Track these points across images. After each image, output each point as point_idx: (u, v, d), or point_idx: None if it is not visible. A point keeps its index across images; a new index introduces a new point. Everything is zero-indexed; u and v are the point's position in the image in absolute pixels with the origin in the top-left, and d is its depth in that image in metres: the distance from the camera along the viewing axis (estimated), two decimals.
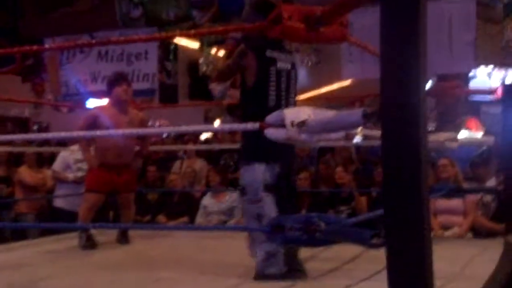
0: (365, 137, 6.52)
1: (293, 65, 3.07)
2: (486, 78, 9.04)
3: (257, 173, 2.89)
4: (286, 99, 2.98)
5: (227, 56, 2.93)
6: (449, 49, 4.88)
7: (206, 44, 6.28)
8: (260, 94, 2.91)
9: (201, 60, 6.46)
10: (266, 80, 2.90)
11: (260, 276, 2.87)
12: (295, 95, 3.10)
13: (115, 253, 4.09)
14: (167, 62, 6.60)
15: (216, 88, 4.82)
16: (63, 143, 6.75)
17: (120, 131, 4.05)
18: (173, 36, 6.14)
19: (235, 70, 3.00)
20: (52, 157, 6.40)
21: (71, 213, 5.06)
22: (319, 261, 3.26)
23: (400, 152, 1.54)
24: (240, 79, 3.01)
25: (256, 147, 2.89)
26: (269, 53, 2.91)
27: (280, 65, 2.96)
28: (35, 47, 4.32)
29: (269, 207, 2.87)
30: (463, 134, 5.83)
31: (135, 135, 4.34)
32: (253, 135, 2.84)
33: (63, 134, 3.66)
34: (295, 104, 3.06)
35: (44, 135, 5.59)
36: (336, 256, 3.31)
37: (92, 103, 6.13)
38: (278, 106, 2.89)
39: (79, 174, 5.48)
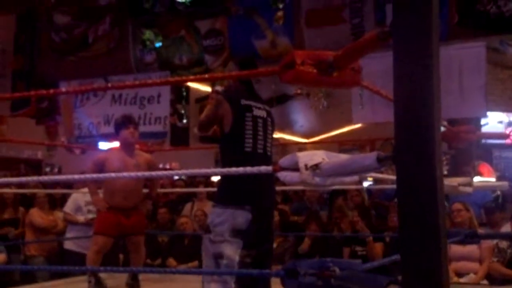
0: (377, 181, 6.51)
1: (269, 113, 3.21)
2: (497, 123, 9.02)
3: (227, 217, 2.88)
4: (263, 145, 3.09)
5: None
6: (459, 94, 4.86)
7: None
8: (237, 139, 3.02)
9: None
10: (242, 126, 3.02)
11: None
12: (272, 141, 3.22)
13: None
14: (179, 105, 6.66)
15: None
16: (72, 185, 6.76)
17: (128, 174, 4.06)
18: (187, 81, 6.22)
19: (213, 120, 3.12)
20: (63, 199, 6.40)
21: (82, 256, 5.03)
22: None
23: (416, 197, 1.52)
24: (219, 127, 3.13)
25: (231, 191, 2.94)
26: (243, 101, 3.06)
27: (256, 112, 3.09)
28: (51, 91, 4.39)
29: (231, 250, 2.84)
30: (476, 179, 5.77)
31: (143, 177, 4.34)
32: (229, 178, 2.92)
33: (75, 177, 3.67)
34: (271, 150, 3.17)
35: (54, 178, 5.59)
36: None
37: (104, 145, 6.17)
38: (255, 152, 3.02)
39: (90, 216, 5.48)
